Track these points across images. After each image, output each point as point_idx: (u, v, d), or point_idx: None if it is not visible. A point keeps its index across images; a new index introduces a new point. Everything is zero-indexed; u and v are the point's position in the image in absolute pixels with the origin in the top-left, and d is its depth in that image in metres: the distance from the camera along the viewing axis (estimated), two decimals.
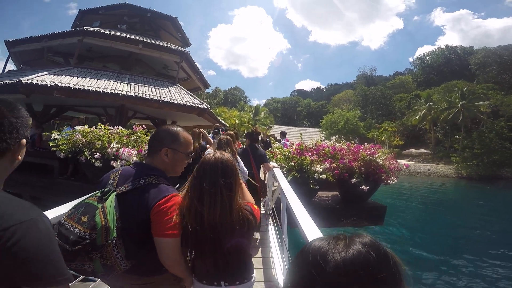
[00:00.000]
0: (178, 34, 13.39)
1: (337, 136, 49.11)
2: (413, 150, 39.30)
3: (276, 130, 54.11)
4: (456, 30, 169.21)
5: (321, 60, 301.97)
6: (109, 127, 5.81)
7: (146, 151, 1.94)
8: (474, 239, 10.30)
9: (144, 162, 1.47)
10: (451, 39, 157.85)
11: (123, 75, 9.58)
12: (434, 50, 71.59)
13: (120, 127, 5.93)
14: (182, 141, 1.42)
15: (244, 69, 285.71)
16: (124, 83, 8.87)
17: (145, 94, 8.32)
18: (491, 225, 12.22)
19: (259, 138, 5.81)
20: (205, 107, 8.94)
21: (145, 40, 10.05)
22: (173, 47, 10.57)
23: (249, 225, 1.35)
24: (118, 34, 9.87)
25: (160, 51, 10.36)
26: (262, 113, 40.78)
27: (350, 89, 76.33)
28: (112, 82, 8.66)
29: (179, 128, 1.47)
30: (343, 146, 6.30)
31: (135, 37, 10.10)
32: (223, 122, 14.29)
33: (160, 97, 8.40)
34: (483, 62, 52.25)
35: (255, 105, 44.24)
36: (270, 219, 4.78)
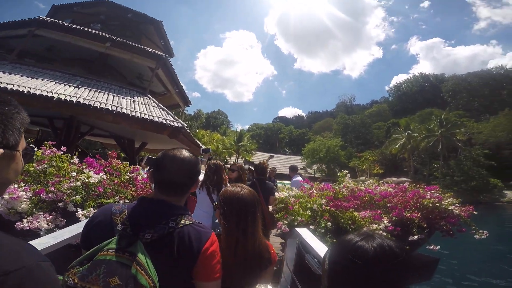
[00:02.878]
0: (160, 42, 12.03)
1: (318, 164, 49.21)
2: (394, 178, 39.18)
3: (259, 157, 53.40)
4: (429, 58, 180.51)
5: (304, 87, 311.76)
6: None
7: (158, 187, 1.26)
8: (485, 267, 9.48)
9: (159, 199, 1.13)
10: (424, 67, 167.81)
11: (75, 78, 7.71)
12: (409, 78, 75.58)
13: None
14: None
15: (229, 93, 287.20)
16: (73, 86, 6.91)
17: (97, 102, 6.29)
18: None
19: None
20: (180, 125, 6.99)
21: (114, 38, 8.34)
22: (149, 50, 8.87)
23: (267, 262, 1.41)
24: (81, 28, 8.17)
25: (132, 53, 8.59)
26: (246, 138, 39.92)
27: (330, 117, 78.43)
28: (59, 85, 6.79)
29: (187, 152, 1.21)
30: (389, 189, 4.51)
31: (103, 34, 8.41)
32: (202, 146, 12.62)
33: (119, 107, 6.47)
34: (454, 90, 55.05)
35: (238, 129, 43.33)
36: None
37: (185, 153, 1.18)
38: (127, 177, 3.54)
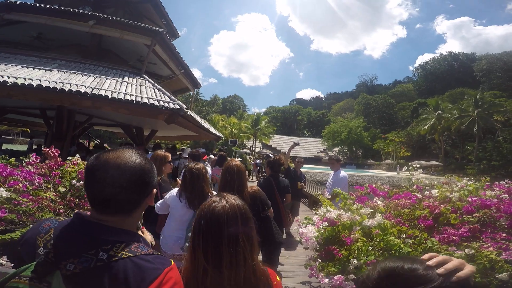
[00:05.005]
0: (162, 21, 10.47)
1: (339, 147, 47.32)
2: (423, 162, 37.02)
3: (276, 140, 52.25)
4: (458, 38, 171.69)
5: (322, 69, 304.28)
6: None
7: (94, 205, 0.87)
8: None
9: (91, 220, 0.85)
10: (453, 46, 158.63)
11: (55, 61, 6.44)
12: (436, 57, 71.80)
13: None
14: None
15: (245, 77, 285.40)
16: (48, 70, 5.65)
17: (73, 86, 4.94)
18: None
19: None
20: (178, 107, 5.50)
21: (97, 15, 6.95)
22: (141, 25, 7.32)
23: None
24: (56, 7, 6.86)
25: (121, 30, 7.12)
26: (263, 122, 38.47)
27: (351, 98, 75.14)
28: (36, 69, 5.60)
29: (131, 156, 0.88)
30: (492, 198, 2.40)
31: (84, 11, 7.11)
32: (213, 131, 11.23)
33: (96, 89, 5.04)
34: (488, 69, 51.45)
35: (255, 113, 41.90)
36: None
37: (128, 155, 0.87)
38: (75, 183, 2.32)
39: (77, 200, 2.32)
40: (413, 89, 67.71)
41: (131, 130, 9.12)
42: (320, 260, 1.98)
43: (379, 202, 2.40)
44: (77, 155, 2.68)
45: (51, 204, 2.11)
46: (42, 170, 2.40)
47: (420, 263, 0.64)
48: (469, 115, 33.15)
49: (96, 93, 5.01)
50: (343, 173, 4.87)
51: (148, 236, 1.36)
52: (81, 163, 2.58)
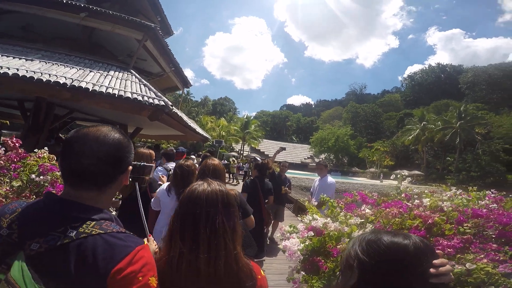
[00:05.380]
0: (157, 18, 10.33)
1: (326, 153, 47.83)
2: (406, 171, 37.88)
3: (265, 144, 52.23)
4: (447, 49, 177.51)
5: (314, 76, 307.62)
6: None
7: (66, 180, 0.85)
8: None
9: (62, 197, 0.83)
10: (442, 58, 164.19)
11: (39, 52, 6.14)
12: (425, 68, 73.47)
13: None
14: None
15: (238, 80, 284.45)
16: (29, 60, 5.37)
17: (52, 76, 4.61)
18: None
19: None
20: (163, 103, 5.22)
21: (91, 7, 6.68)
22: (134, 19, 7.06)
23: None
24: None
25: (113, 23, 6.91)
26: (253, 125, 38.41)
27: (339, 106, 76.30)
28: (16, 59, 5.28)
29: (110, 130, 0.88)
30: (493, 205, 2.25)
31: (76, 3, 6.79)
32: (200, 131, 10.93)
33: (77, 81, 4.76)
34: (473, 81, 53.06)
35: (245, 116, 41.81)
36: None
37: (107, 129, 0.87)
38: (34, 177, 2.13)
39: (34, 196, 2.09)
40: (400, 99, 69.14)
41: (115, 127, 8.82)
42: (303, 273, 1.91)
43: (367, 210, 2.36)
44: (45, 148, 2.49)
45: (3, 200, 1.90)
46: (1, 162, 2.17)
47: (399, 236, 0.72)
48: (452, 127, 34.31)
49: (76, 85, 4.75)
50: (330, 179, 4.77)
51: (153, 245, 1.37)
52: (45, 156, 2.38)
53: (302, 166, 44.95)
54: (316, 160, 50.57)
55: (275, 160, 6.00)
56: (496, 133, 35.62)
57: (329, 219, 2.23)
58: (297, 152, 54.24)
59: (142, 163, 1.77)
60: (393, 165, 42.78)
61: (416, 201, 2.55)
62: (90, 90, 4.83)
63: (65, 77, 4.85)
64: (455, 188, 3.17)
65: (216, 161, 2.50)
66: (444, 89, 61.68)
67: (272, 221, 5.84)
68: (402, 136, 42.53)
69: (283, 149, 5.71)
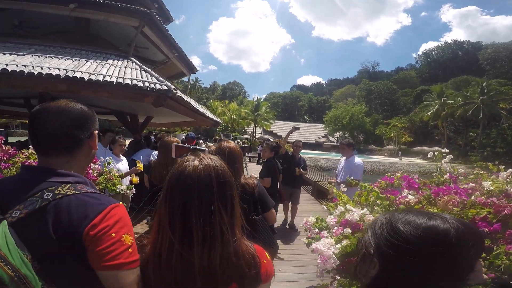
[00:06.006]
0: (154, 5, 9.58)
1: (341, 132, 46.77)
2: (426, 148, 36.62)
3: (277, 126, 51.59)
4: (463, 27, 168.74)
5: (323, 55, 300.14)
6: None
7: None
8: None
9: (40, 166, 0.89)
10: (457, 35, 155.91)
11: (32, 46, 5.72)
12: (440, 45, 71.96)
13: None
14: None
15: (245, 64, 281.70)
16: (21, 55, 5.00)
17: (45, 69, 4.29)
18: None
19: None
20: (165, 88, 4.81)
21: None
22: (127, 6, 6.53)
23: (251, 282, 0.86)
24: None
25: (106, 12, 6.45)
26: (264, 107, 37.74)
27: (352, 84, 73.96)
28: (6, 55, 4.93)
29: (71, 101, 0.92)
30: None
31: None
32: (210, 115, 10.53)
33: (71, 71, 4.42)
34: (494, 57, 51.20)
35: (255, 99, 41.15)
36: None
37: (67, 101, 0.92)
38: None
39: None
40: (416, 76, 67.20)
41: (125, 117, 8.53)
42: (338, 277, 1.52)
43: (410, 197, 1.89)
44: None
45: None
46: None
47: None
48: (474, 102, 32.42)
49: (70, 76, 4.34)
50: (357, 159, 4.15)
51: None
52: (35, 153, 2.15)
53: (316, 146, 44.27)
54: (331, 139, 49.67)
55: (288, 140, 5.59)
56: None
57: (365, 209, 1.82)
58: (311, 131, 53.42)
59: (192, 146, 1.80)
60: (412, 142, 41.40)
61: (471, 184, 2.07)
62: (86, 79, 4.40)
63: (58, 69, 4.42)
64: (503, 167, 2.59)
65: (231, 143, 2.12)
66: (461, 65, 59.75)
67: (290, 206, 5.51)
68: (420, 112, 40.84)
69: (297, 128, 5.26)
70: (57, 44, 6.26)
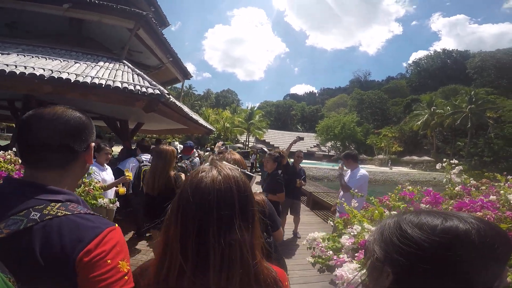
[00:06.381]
0: (150, 8, 9.43)
1: (333, 141, 47.13)
2: (415, 157, 37.21)
3: (270, 135, 51.68)
4: (452, 35, 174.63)
5: (316, 64, 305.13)
6: None
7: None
8: None
9: (27, 180, 0.78)
10: (447, 44, 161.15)
11: (20, 46, 5.46)
12: (430, 54, 73.44)
13: None
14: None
15: (240, 72, 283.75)
16: (6, 54, 4.77)
17: (29, 68, 4.08)
18: None
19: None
20: (158, 92, 4.58)
21: None
22: (122, 7, 6.36)
23: None
24: None
25: (100, 13, 6.29)
26: (257, 116, 37.79)
27: (344, 94, 75.09)
28: None
29: (68, 108, 0.84)
30: None
31: None
32: (203, 123, 10.33)
33: (57, 72, 4.23)
34: (481, 66, 52.51)
35: (249, 108, 41.21)
36: None
37: (66, 108, 0.83)
38: None
39: None
40: (406, 85, 68.55)
41: (115, 122, 8.29)
42: None
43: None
44: (13, 149, 2.09)
45: None
46: None
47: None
48: (463, 111, 33.27)
49: (56, 76, 4.13)
50: (361, 171, 3.83)
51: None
52: (9, 159, 1.96)
53: (308, 155, 44.36)
54: (323, 148, 49.94)
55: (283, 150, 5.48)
56: (508, 117, 34.56)
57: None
58: (303, 140, 53.64)
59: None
60: (402, 151, 42.02)
61: (492, 197, 2.00)
62: (72, 81, 4.19)
63: (43, 69, 4.21)
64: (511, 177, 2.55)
65: (237, 155, 1.94)
66: (450, 74, 60.98)
67: (293, 217, 5.41)
68: (410, 122, 41.66)
69: (301, 138, 5.18)
70: (47, 45, 6.03)
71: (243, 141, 40.12)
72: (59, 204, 0.73)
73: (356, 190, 3.04)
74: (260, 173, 15.45)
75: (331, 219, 2.22)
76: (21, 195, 0.72)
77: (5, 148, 7.56)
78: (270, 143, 48.68)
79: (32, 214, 0.69)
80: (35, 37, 7.95)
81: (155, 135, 20.69)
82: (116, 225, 0.78)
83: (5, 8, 6.63)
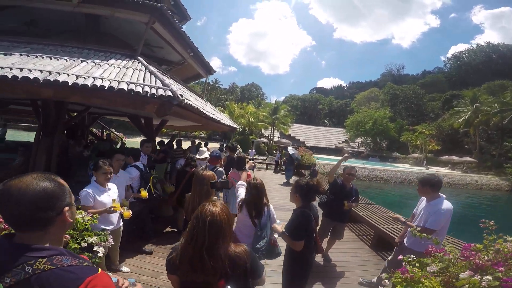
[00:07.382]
0: (170, 2, 8.92)
1: (363, 137, 44.90)
2: (455, 157, 34.20)
3: (296, 129, 50.35)
4: (496, 29, 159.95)
5: (345, 57, 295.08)
6: None
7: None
8: None
9: (17, 241, 0.91)
10: (491, 37, 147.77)
11: (30, 45, 5.13)
12: (472, 47, 68.80)
13: None
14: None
15: (264, 65, 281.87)
16: (9, 55, 4.38)
17: (27, 71, 3.71)
18: None
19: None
20: (170, 94, 4.03)
21: None
22: (136, 0, 5.80)
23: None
24: None
25: (112, 6, 5.84)
26: (282, 110, 36.75)
27: (375, 88, 71.34)
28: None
29: (34, 179, 0.90)
30: None
31: None
32: (225, 121, 9.72)
33: (54, 73, 3.83)
34: None
35: (273, 102, 40.22)
36: None
37: (30, 179, 0.90)
38: None
39: None
40: (445, 80, 64.10)
41: (139, 120, 7.96)
42: None
43: None
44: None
45: None
46: None
47: None
48: None
49: (52, 79, 3.59)
50: (446, 203, 2.80)
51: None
52: None
53: (336, 151, 42.63)
54: (352, 144, 47.76)
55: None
56: None
57: None
58: (331, 135, 51.82)
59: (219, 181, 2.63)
60: (439, 150, 38.94)
61: None
62: (70, 83, 3.64)
63: (40, 71, 3.69)
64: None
65: (258, 180, 2.74)
66: (496, 69, 56.33)
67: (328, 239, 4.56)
68: (450, 119, 38.38)
69: (349, 157, 4.33)
70: (58, 43, 5.65)
71: (267, 135, 39.39)
72: (45, 259, 0.84)
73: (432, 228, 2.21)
74: (284, 173, 14.66)
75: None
76: (15, 253, 0.85)
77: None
78: (295, 137, 47.49)
79: (26, 268, 0.82)
80: (55, 35, 7.77)
81: (176, 131, 20.55)
82: (100, 269, 0.89)
83: (21, 7, 6.44)
